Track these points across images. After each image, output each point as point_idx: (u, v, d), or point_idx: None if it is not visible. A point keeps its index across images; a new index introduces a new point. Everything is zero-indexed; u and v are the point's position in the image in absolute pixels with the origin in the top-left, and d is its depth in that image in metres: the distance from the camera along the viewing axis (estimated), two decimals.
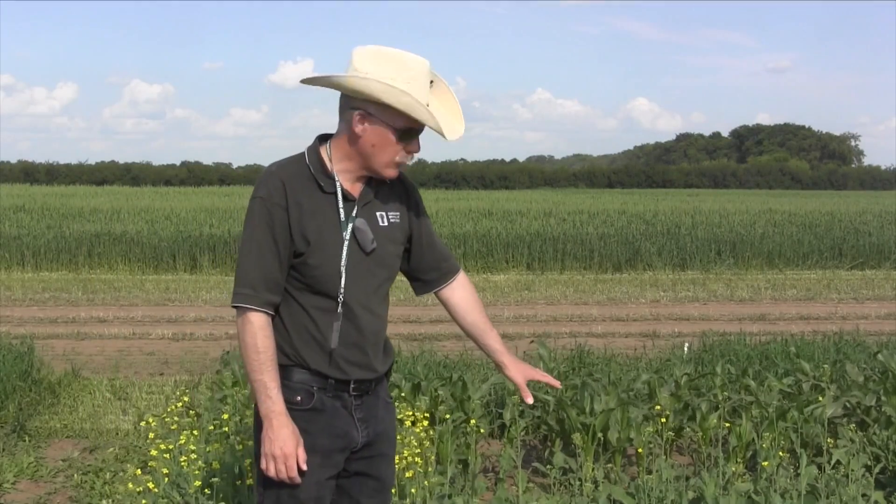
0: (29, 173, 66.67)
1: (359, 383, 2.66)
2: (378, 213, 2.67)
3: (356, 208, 2.62)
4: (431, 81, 2.64)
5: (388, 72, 2.51)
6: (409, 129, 2.56)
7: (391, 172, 2.63)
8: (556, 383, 2.92)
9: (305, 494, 2.59)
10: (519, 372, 2.88)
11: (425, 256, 2.82)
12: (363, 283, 2.62)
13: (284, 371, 2.58)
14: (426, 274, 2.85)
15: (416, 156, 2.69)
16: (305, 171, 2.60)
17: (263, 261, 2.54)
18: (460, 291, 2.90)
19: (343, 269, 2.57)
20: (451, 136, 2.60)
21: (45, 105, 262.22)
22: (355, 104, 2.56)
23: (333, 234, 2.58)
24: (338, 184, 2.60)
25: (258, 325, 2.53)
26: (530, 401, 2.88)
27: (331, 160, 2.62)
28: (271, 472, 2.53)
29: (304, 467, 2.55)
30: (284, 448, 2.50)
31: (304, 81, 2.63)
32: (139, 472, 4.74)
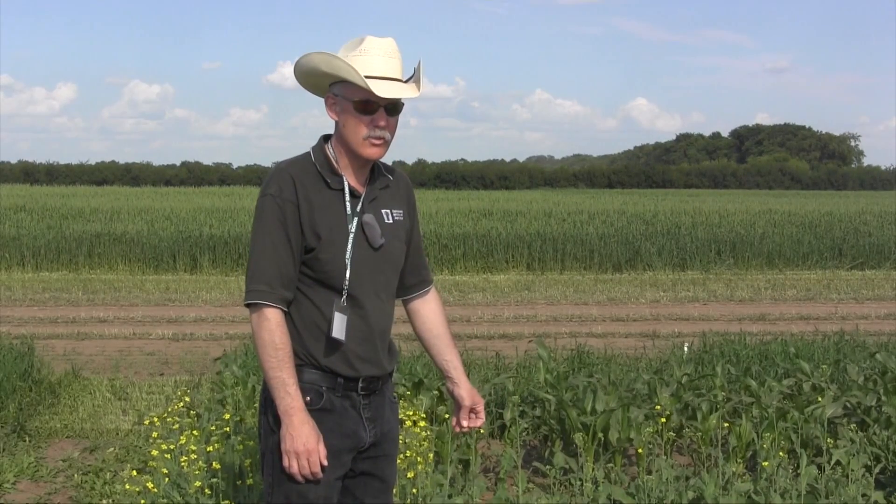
0: (29, 173, 66.69)
1: (367, 381, 2.68)
2: (384, 211, 2.72)
3: (363, 204, 2.66)
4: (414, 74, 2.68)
5: (342, 51, 2.63)
6: (366, 102, 2.59)
7: (369, 150, 2.64)
8: (481, 423, 2.93)
9: (314, 494, 2.60)
10: (468, 395, 2.89)
11: (411, 259, 2.85)
12: (372, 278, 2.66)
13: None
14: (408, 278, 2.86)
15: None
16: (313, 169, 2.65)
17: (278, 257, 2.57)
18: (433, 304, 2.93)
19: (348, 261, 2.60)
20: (379, 91, 2.57)
21: (44, 105, 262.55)
22: (328, 91, 2.67)
23: (342, 228, 2.62)
24: (345, 180, 2.65)
25: (275, 321, 2.55)
26: (458, 430, 2.92)
27: (335, 158, 2.67)
28: (294, 469, 2.54)
29: (326, 463, 2.56)
30: (307, 444, 2.52)
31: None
32: (135, 473, 4.74)
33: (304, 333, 2.62)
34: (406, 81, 2.67)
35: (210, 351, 9.21)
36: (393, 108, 2.63)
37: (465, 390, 2.89)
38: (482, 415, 2.91)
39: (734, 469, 4.69)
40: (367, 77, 2.56)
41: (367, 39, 2.64)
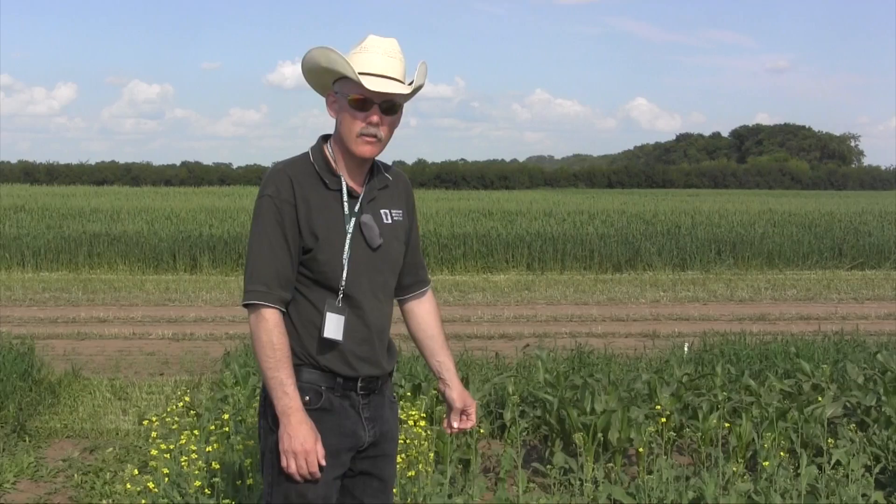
0: (29, 173, 66.75)
1: (366, 381, 2.68)
2: (382, 211, 2.72)
3: (361, 205, 2.66)
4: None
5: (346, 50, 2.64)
6: (361, 99, 2.59)
7: (362, 149, 2.63)
8: (471, 425, 2.95)
9: (314, 494, 2.60)
10: (459, 397, 2.91)
11: (409, 259, 2.85)
12: (370, 277, 2.66)
13: (294, 370, 2.59)
14: (405, 278, 2.86)
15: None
16: (311, 169, 2.65)
17: (275, 257, 2.57)
18: (428, 304, 2.94)
19: (345, 261, 2.60)
20: (371, 85, 2.56)
21: (44, 105, 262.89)
22: (330, 89, 2.68)
23: (339, 229, 2.62)
24: (343, 181, 2.65)
25: (273, 321, 2.56)
26: (449, 432, 2.95)
27: (334, 159, 2.67)
28: (292, 469, 2.54)
29: (324, 463, 2.56)
30: (305, 444, 2.52)
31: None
32: (136, 472, 4.74)
33: (303, 333, 2.62)
34: (410, 84, 2.66)
35: (210, 351, 9.21)
36: (389, 107, 2.62)
37: (456, 392, 2.90)
38: (473, 417, 2.93)
39: (734, 469, 4.68)
40: (363, 73, 2.57)
41: (368, 38, 2.64)
